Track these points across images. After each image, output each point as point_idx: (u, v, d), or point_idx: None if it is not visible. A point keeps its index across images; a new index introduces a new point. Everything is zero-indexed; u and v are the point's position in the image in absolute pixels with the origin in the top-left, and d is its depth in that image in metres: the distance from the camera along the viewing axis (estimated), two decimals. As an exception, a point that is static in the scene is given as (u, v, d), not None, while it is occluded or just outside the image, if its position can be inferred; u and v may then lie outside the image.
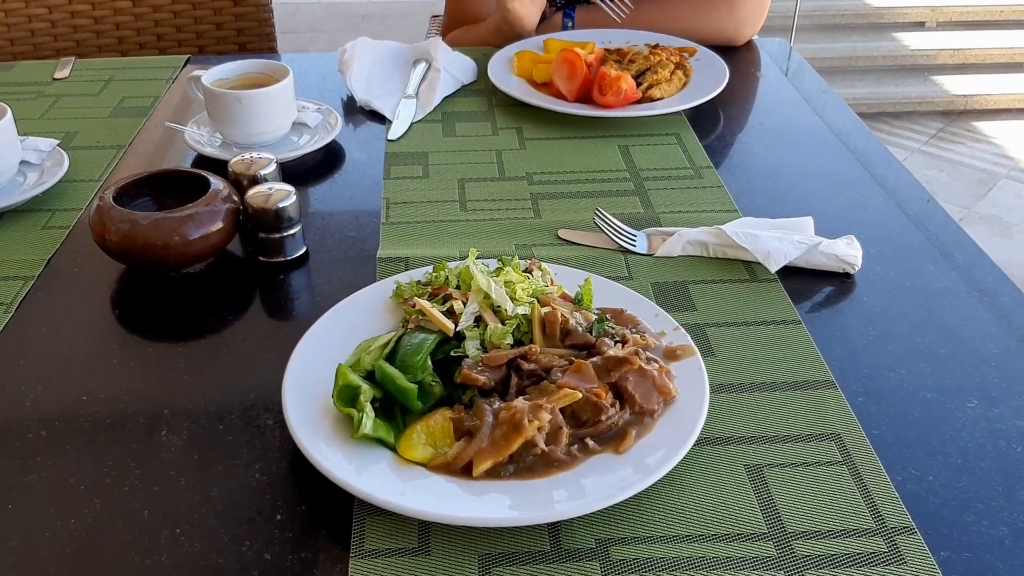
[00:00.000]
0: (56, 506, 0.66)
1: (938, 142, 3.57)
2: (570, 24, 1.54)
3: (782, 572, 0.60)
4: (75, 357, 0.81)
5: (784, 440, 0.71)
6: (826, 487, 0.66)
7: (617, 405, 0.70)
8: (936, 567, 0.60)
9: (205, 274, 0.92)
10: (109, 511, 0.65)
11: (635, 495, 0.63)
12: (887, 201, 1.05)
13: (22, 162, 1.08)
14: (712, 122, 1.26)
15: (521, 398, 0.69)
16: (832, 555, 0.61)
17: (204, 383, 0.78)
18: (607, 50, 1.33)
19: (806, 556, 0.61)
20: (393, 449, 0.68)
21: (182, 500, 0.66)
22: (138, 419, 0.74)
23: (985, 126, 3.69)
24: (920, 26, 4.13)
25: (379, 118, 1.26)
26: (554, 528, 0.63)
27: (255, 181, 0.96)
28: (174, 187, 0.96)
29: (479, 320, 0.77)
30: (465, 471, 0.66)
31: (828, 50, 3.91)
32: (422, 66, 1.36)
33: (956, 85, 3.82)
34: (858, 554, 0.61)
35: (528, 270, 0.84)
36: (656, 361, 0.74)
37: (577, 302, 0.81)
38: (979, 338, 0.82)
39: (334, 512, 0.65)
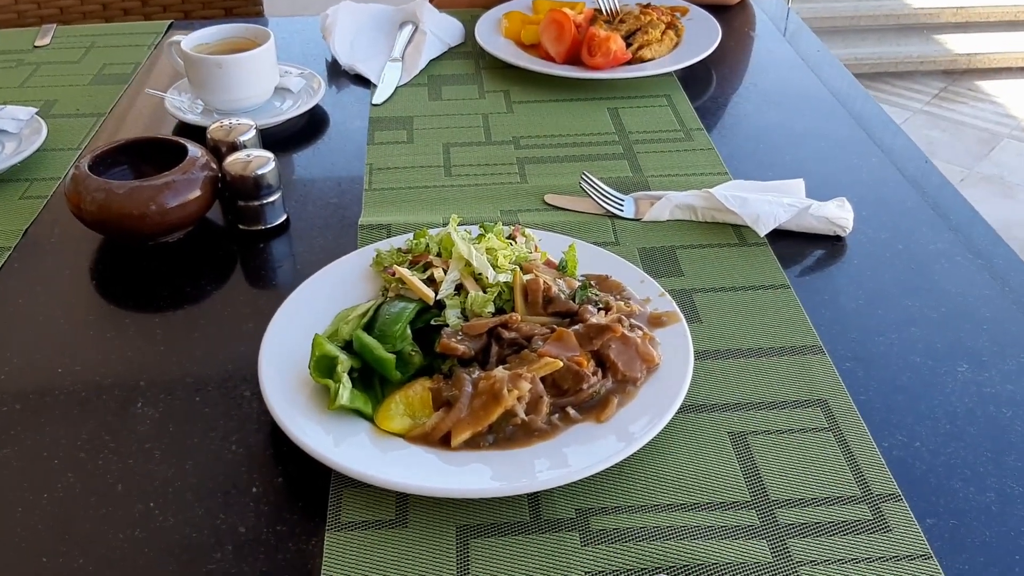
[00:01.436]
0: (29, 480, 0.65)
1: (940, 102, 3.53)
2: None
3: (765, 541, 0.59)
4: (51, 329, 0.80)
5: (769, 407, 0.69)
6: (811, 454, 0.65)
7: (599, 373, 0.68)
8: (921, 534, 0.59)
9: (184, 243, 0.91)
10: (83, 485, 0.64)
11: (617, 464, 0.62)
12: (882, 162, 1.03)
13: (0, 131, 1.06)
14: (704, 83, 1.23)
15: (501, 367, 0.68)
16: (816, 523, 0.60)
17: (181, 354, 0.76)
18: (597, 10, 1.30)
19: (789, 524, 0.60)
20: (371, 420, 0.67)
21: (157, 473, 0.65)
22: (113, 391, 0.72)
23: (987, 85, 3.64)
24: (923, -16, 4.06)
25: (364, 82, 1.24)
26: (534, 498, 0.62)
27: (234, 148, 0.94)
28: (152, 155, 0.94)
29: (460, 288, 0.76)
30: (444, 442, 0.64)
31: (829, 9, 3.84)
32: (408, 28, 1.33)
33: (958, 44, 3.77)
34: (842, 522, 0.60)
35: (511, 236, 0.82)
36: (640, 328, 0.72)
37: (561, 269, 0.79)
38: (972, 301, 0.81)
39: (311, 484, 0.64)
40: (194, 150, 0.90)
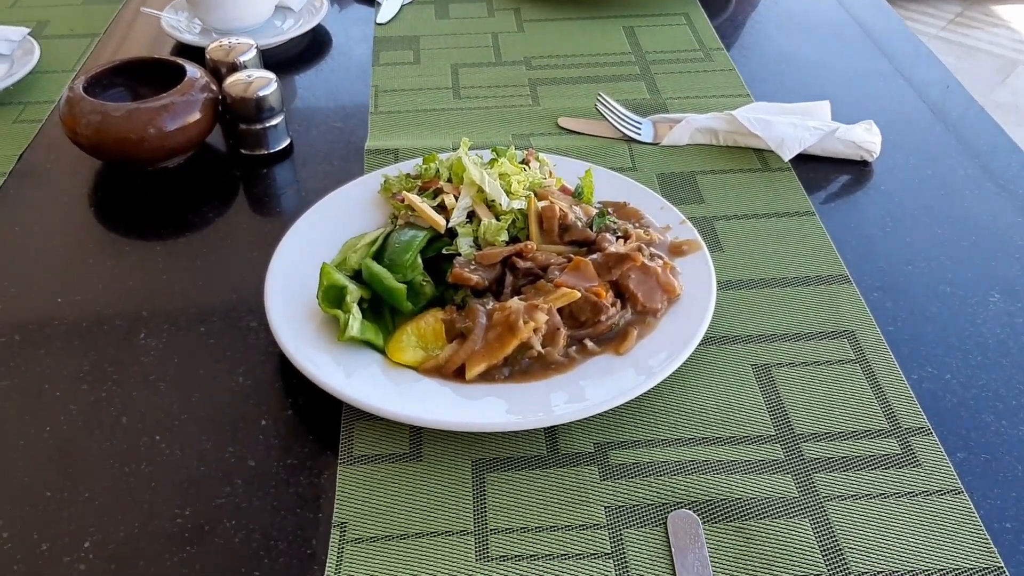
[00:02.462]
0: (30, 413, 0.63)
1: (955, 27, 3.43)
2: None
3: (790, 475, 0.57)
4: (49, 257, 0.77)
5: (795, 338, 0.67)
6: (838, 387, 0.63)
7: (618, 304, 0.66)
8: (952, 469, 0.57)
9: (184, 168, 0.88)
10: (85, 418, 0.62)
11: (636, 397, 0.60)
12: (907, 86, 0.99)
13: (-10, 52, 1.02)
14: (723, 2, 1.18)
15: (516, 298, 0.66)
16: (843, 457, 0.58)
17: (184, 283, 0.74)
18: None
19: (815, 459, 0.58)
20: (382, 352, 0.64)
21: (162, 406, 0.63)
22: (115, 322, 0.70)
23: (1004, 10, 3.54)
24: (943, -99, 3.92)
25: (367, 0, 1.19)
26: (551, 432, 0.60)
27: (234, 69, 0.90)
28: (149, 77, 0.90)
29: (472, 215, 0.73)
30: (458, 375, 0.62)
31: (845, -72, 3.71)
32: (413, -56, 1.27)
33: (978, -35, 3.65)
34: (870, 456, 0.58)
35: (525, 161, 0.79)
36: (660, 257, 0.70)
37: (577, 195, 0.76)
38: (1002, 229, 0.78)
39: (321, 417, 0.62)
40: (193, 71, 0.87)
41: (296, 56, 1.07)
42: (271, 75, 0.87)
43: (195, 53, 1.02)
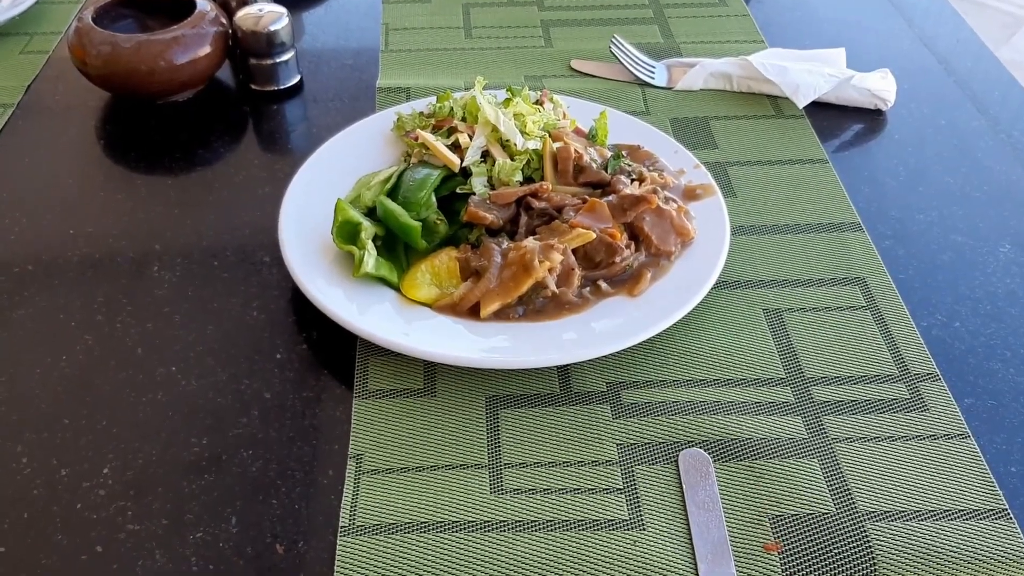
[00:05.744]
0: (47, 342, 0.63)
1: (965, -19, 3.39)
2: None
3: (800, 417, 0.58)
4: (59, 189, 0.77)
5: (806, 284, 0.67)
6: (848, 332, 0.64)
7: (632, 246, 0.66)
8: (959, 414, 0.58)
9: (194, 103, 0.87)
10: (102, 348, 0.63)
11: (649, 338, 0.61)
12: (922, 34, 0.98)
13: (-7, -20, 1.00)
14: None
15: (531, 238, 0.66)
16: (852, 401, 0.59)
17: (195, 218, 0.74)
18: None
19: (824, 402, 0.59)
20: (396, 289, 0.65)
21: (177, 338, 0.63)
22: (128, 254, 0.70)
23: (1016, -36, 3.48)
24: None
25: (377, -63, 1.17)
26: (564, 371, 0.61)
27: (244, 2, 0.89)
28: (158, 8, 0.89)
29: (486, 155, 0.73)
30: (472, 312, 0.63)
31: None
32: None
33: (990, -83, 3.58)
34: (879, 400, 0.59)
35: (539, 102, 0.78)
36: (674, 201, 0.70)
37: (591, 137, 0.76)
38: (1016, 180, 0.78)
39: (336, 351, 0.62)
40: (203, 3, 0.85)
41: (305, -8, 1.06)
42: (282, 9, 0.86)
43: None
